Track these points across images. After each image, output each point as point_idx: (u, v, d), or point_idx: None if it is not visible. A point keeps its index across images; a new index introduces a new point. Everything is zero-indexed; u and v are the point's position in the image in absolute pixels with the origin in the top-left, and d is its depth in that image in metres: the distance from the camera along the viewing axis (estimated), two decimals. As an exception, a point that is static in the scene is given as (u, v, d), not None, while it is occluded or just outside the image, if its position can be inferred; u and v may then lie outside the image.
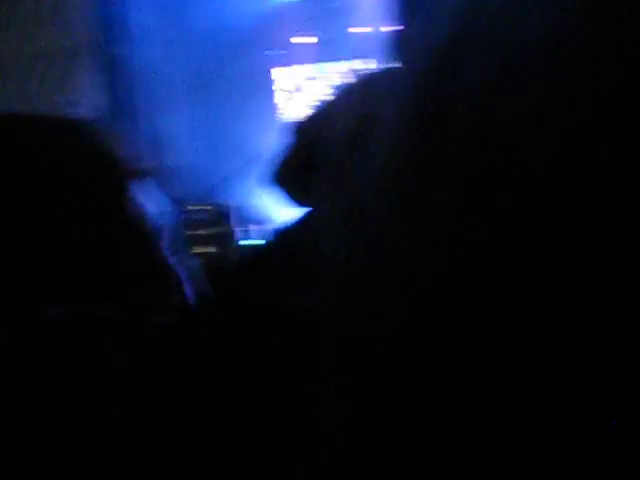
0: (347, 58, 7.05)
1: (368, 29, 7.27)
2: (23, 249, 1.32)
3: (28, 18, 8.06)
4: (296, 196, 1.70)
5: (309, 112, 1.73)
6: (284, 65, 8.06)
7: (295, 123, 1.71)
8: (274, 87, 8.15)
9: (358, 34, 7.50)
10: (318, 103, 1.73)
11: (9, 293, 1.31)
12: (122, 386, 1.28)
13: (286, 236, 1.74)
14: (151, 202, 1.47)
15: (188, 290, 1.50)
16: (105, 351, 1.29)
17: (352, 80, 1.71)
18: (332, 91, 1.73)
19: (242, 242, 7.85)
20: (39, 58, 8.03)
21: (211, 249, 7.40)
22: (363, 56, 6.16)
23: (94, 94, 7.32)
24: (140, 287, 1.42)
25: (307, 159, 1.65)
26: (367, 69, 1.84)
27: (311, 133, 1.71)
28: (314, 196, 1.69)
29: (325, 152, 1.58)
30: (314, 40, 7.76)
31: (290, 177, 1.68)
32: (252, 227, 7.95)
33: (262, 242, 1.89)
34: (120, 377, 1.28)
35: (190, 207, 7.67)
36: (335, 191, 1.59)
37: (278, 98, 8.09)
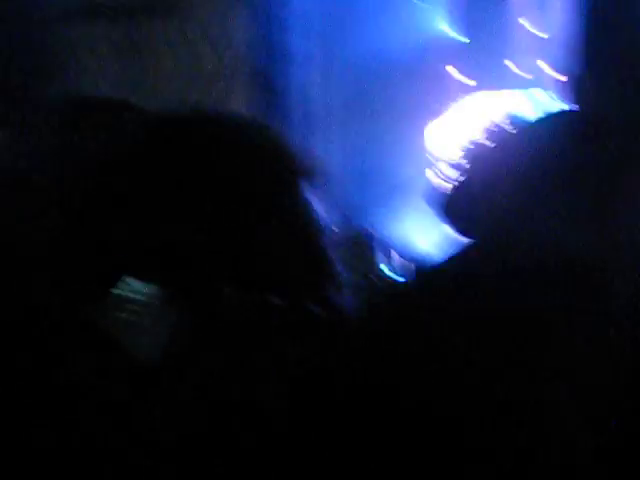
0: (502, 90, 7.02)
1: (526, 64, 7.24)
2: (204, 236, 1.39)
3: (194, 37, 8.29)
4: (458, 225, 1.72)
5: (473, 145, 1.74)
6: (439, 95, 8.07)
7: (461, 155, 1.73)
8: (427, 116, 8.15)
9: (514, 69, 7.48)
10: (480, 137, 1.74)
11: (195, 274, 1.39)
12: (290, 369, 1.35)
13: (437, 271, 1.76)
14: (315, 201, 1.55)
15: (340, 292, 1.57)
16: (272, 335, 1.37)
17: (515, 119, 1.72)
18: (493, 125, 1.73)
19: (382, 268, 7.86)
20: (200, 77, 8.25)
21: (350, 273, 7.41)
22: (520, 88, 6.12)
23: (250, 114, 7.47)
24: (302, 279, 1.50)
25: (474, 192, 1.67)
26: (525, 107, 1.85)
27: (477, 167, 1.72)
28: (476, 227, 1.71)
29: (492, 187, 1.58)
30: (467, 70, 7.78)
31: (455, 206, 1.71)
32: (393, 255, 7.96)
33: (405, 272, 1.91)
34: (285, 361, 1.34)
35: (335, 232, 7.72)
36: (498, 225, 1.60)
37: (430, 127, 8.09)
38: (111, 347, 1.37)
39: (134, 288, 1.41)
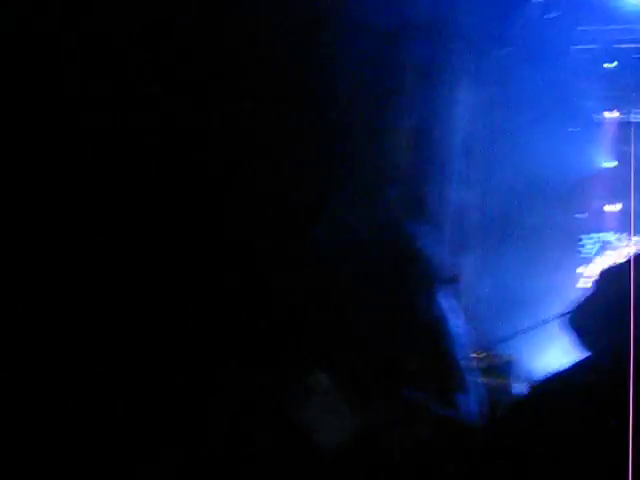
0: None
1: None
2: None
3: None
4: (586, 340, 1.82)
5: (611, 271, 1.83)
6: (589, 228, 8.07)
7: (597, 279, 1.83)
8: (576, 249, 8.14)
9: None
10: (619, 265, 1.83)
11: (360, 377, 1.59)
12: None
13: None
14: (450, 309, 1.66)
15: (466, 400, 1.67)
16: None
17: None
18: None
19: (518, 396, 7.79)
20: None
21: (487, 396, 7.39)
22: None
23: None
24: (435, 380, 1.63)
25: (604, 309, 1.78)
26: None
27: (610, 288, 1.82)
28: (594, 341, 1.79)
29: (620, 308, 1.68)
30: (619, 208, 7.75)
31: (585, 322, 1.81)
32: (529, 384, 7.87)
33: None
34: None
35: (473, 354, 7.72)
36: (624, 342, 1.70)
37: (579, 261, 8.06)
38: (295, 430, 1.62)
39: (324, 382, 1.65)
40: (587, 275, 7.48)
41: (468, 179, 8.20)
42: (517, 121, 8.02)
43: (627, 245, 7.33)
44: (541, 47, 7.84)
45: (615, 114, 8.42)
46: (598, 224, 7.98)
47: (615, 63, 8.16)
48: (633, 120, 8.03)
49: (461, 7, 7.09)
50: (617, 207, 7.95)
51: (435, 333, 1.60)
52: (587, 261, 7.82)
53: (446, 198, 7.93)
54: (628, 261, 1.81)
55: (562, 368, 1.77)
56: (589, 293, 1.79)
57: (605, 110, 8.46)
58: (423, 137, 7.93)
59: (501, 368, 7.89)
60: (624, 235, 7.67)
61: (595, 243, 7.95)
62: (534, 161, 8.00)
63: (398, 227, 1.87)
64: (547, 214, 8.07)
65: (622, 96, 8.26)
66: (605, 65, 8.22)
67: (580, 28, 8.15)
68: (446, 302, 1.72)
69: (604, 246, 7.77)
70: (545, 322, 7.82)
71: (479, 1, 7.10)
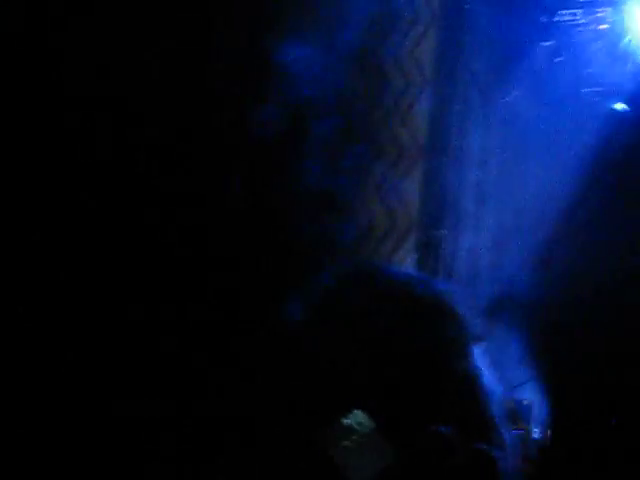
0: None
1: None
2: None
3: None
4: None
5: None
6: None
7: None
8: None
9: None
10: None
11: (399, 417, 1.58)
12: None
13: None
14: (483, 366, 1.66)
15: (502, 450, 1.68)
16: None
17: None
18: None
19: (538, 442, 7.73)
20: (372, 234, 8.44)
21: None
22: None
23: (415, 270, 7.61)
24: (472, 435, 1.62)
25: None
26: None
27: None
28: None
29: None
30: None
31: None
32: (549, 430, 7.83)
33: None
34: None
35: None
36: None
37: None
38: (331, 471, 1.59)
39: (359, 420, 1.64)
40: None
41: (481, 224, 8.20)
42: (528, 166, 8.03)
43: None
44: (551, 90, 7.85)
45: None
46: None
47: (623, 104, 8.19)
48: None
49: (470, 52, 7.12)
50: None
51: (471, 391, 1.60)
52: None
53: (460, 245, 7.93)
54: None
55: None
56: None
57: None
58: (435, 183, 7.94)
59: (519, 413, 7.83)
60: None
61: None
62: (547, 206, 8.00)
63: (426, 282, 1.89)
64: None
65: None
66: (614, 106, 8.23)
67: (588, 70, 8.17)
68: (479, 359, 1.74)
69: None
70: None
71: (488, 46, 7.13)
